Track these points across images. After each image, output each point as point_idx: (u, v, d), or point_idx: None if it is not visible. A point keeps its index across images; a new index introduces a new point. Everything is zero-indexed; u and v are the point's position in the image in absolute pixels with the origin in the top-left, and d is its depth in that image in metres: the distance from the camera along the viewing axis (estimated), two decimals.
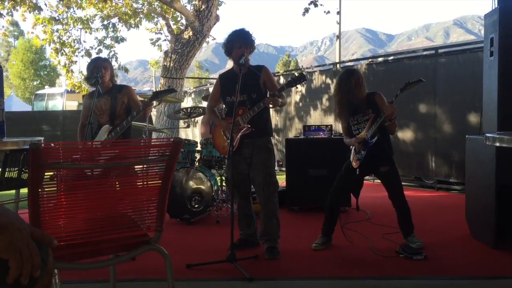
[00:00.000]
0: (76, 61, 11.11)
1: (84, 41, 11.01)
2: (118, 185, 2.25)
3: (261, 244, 4.07)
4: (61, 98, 19.46)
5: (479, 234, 4.19)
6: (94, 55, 11.04)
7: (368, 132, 3.90)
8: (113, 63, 10.66)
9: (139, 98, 4.47)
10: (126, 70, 11.49)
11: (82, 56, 11.08)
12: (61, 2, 10.26)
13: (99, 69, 4.18)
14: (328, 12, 10.71)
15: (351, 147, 4.11)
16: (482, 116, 4.50)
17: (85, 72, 11.60)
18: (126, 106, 4.24)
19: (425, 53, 7.94)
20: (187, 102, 13.80)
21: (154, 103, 4.33)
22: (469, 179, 4.44)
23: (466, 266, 3.61)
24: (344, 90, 4.02)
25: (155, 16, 10.73)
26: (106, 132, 4.15)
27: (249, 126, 3.89)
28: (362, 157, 3.94)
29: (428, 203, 6.21)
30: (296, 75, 3.97)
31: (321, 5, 10.20)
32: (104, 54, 10.71)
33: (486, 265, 3.63)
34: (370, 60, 8.93)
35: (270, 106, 3.95)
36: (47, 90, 23.95)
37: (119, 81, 4.40)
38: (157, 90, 5.10)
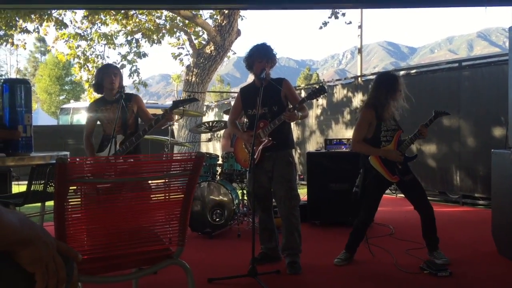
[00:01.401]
0: None
1: (108, 57, 11.15)
2: (140, 200, 2.27)
3: (282, 258, 4.04)
4: (85, 112, 19.80)
5: (506, 250, 4.09)
6: None
7: (401, 147, 3.90)
8: (135, 77, 10.84)
9: (159, 112, 4.42)
10: (145, 85, 11.49)
11: None
12: (86, 18, 10.49)
13: (110, 76, 4.08)
14: (350, 22, 10.65)
15: (373, 159, 3.91)
16: (508, 130, 4.42)
17: None
18: (135, 116, 4.18)
19: (448, 66, 7.85)
20: (209, 116, 13.93)
21: (176, 116, 4.26)
22: (495, 194, 4.35)
23: (492, 284, 3.53)
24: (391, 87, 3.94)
25: (177, 31, 10.87)
26: (119, 142, 4.10)
27: (270, 138, 3.89)
28: (401, 171, 3.90)
29: (453, 218, 6.09)
30: (316, 87, 3.96)
31: (342, 15, 10.20)
32: (127, 69, 10.88)
33: None
34: None
35: (288, 120, 3.94)
36: (72, 104, 24.36)
37: (141, 95, 4.40)
38: (177, 99, 4.90)
